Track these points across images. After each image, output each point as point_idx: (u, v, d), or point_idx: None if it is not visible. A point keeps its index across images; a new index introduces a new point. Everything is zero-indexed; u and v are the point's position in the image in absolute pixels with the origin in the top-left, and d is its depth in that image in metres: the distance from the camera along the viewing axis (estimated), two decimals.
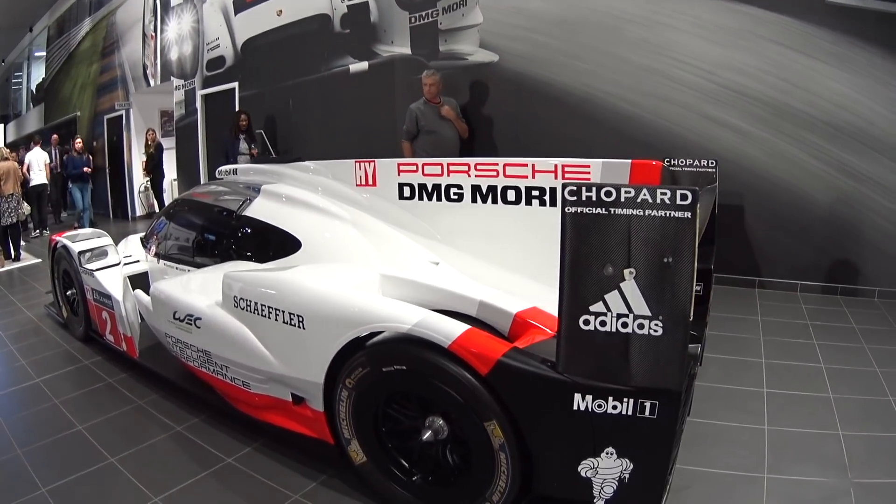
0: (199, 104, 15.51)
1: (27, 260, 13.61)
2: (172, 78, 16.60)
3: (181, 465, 4.35)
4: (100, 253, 6.68)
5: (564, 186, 2.71)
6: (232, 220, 5.73)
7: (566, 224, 2.72)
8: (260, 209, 5.60)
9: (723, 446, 4.03)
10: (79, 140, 16.35)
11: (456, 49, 9.75)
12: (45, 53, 28.50)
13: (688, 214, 2.52)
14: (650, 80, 7.95)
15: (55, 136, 19.59)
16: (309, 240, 5.08)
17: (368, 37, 11.08)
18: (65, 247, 7.05)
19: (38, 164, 16.79)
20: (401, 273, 4.35)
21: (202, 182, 14.62)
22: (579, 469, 2.92)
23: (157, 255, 6.48)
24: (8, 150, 14.14)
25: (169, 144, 17.31)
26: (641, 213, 2.57)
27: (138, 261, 6.88)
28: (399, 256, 4.78)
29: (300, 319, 3.75)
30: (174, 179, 17.45)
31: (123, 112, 19.43)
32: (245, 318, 4.15)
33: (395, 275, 4.30)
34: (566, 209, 2.71)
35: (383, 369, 3.40)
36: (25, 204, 14.26)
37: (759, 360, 5.38)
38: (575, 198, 2.67)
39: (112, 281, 6.14)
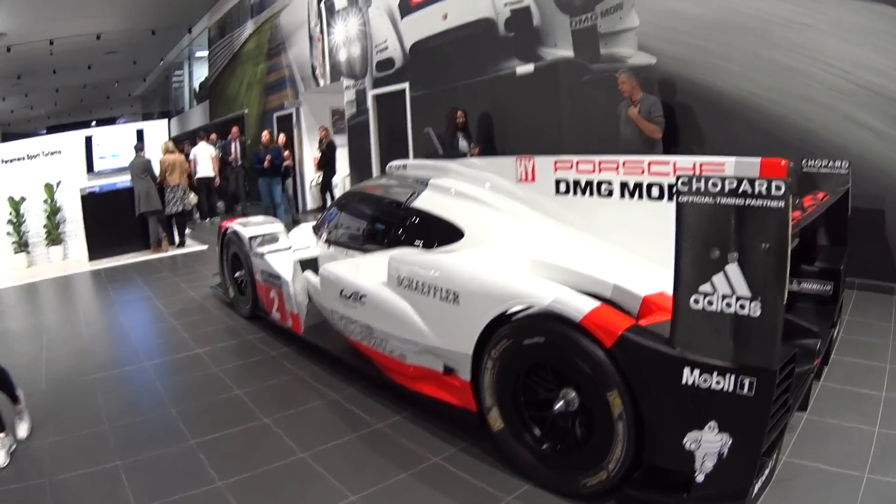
0: (370, 103, 16.35)
1: (191, 246, 14.86)
2: (342, 78, 17.52)
3: (332, 427, 5.00)
4: (270, 238, 7.49)
5: (678, 178, 3.15)
6: (400, 211, 6.35)
7: (680, 212, 3.14)
8: (427, 201, 6.21)
9: (832, 444, 4.17)
10: (265, 133, 17.11)
11: (616, 52, 9.95)
12: (206, 53, 29.97)
13: (781, 204, 2.87)
14: (794, 81, 7.97)
15: (213, 134, 20.85)
16: (471, 229, 5.60)
17: (532, 40, 11.41)
18: (235, 232, 7.91)
19: (205, 157, 18.41)
20: (546, 257, 4.81)
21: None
22: (684, 441, 3.22)
23: (327, 241, 7.20)
24: (173, 144, 15.46)
25: (341, 142, 18.45)
26: (742, 203, 2.96)
27: (308, 247, 7.59)
28: (553, 246, 5.20)
29: (455, 296, 4.31)
30: (346, 175, 18.47)
31: (293, 110, 20.69)
32: (407, 296, 4.76)
33: (541, 259, 4.77)
34: (679, 199, 3.14)
35: (524, 342, 3.86)
36: (192, 194, 15.55)
37: (885, 364, 5.38)
38: (687, 188, 3.11)
39: (282, 263, 6.94)
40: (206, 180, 18.52)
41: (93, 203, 14.32)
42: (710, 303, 3.11)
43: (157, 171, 14.41)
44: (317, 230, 7.77)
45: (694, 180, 3.11)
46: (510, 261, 4.81)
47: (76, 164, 15.17)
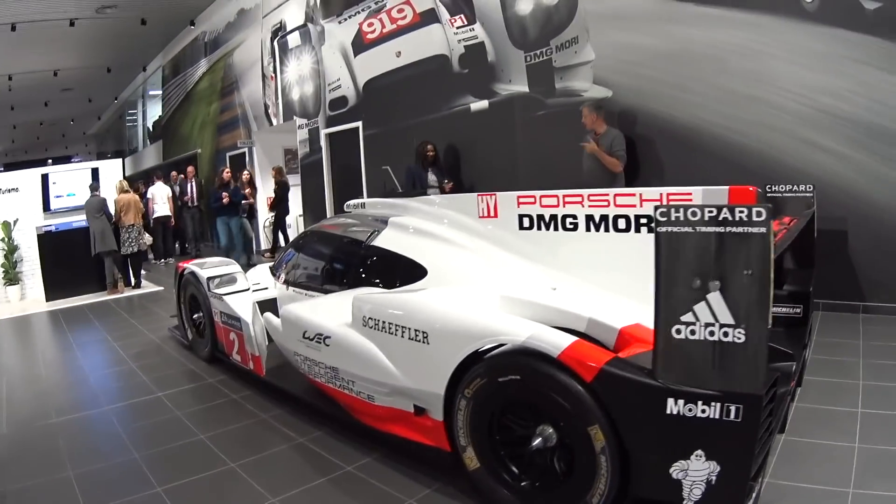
0: (323, 142, 16.30)
1: (147, 287, 14.68)
2: (295, 117, 17.37)
3: (300, 471, 4.82)
4: (228, 279, 7.31)
5: (656, 209, 3.09)
6: (361, 250, 6.26)
7: (659, 242, 3.09)
8: (388, 239, 6.10)
9: (814, 463, 4.18)
10: (225, 170, 16.72)
11: (571, 86, 10.04)
12: (160, 92, 29.95)
13: (763, 230, 2.83)
14: (753, 108, 8.07)
15: (174, 172, 20.77)
16: (434, 267, 5.52)
17: (487, 76, 11.47)
18: (193, 273, 7.74)
19: (162, 197, 18.46)
20: (516, 293, 4.72)
21: (330, 216, 15.24)
22: (671, 471, 3.15)
23: (286, 282, 7.05)
24: (127, 184, 15.34)
25: (294, 181, 18.13)
26: (722, 230, 2.92)
27: (266, 288, 7.49)
28: (519, 282, 5.11)
29: (425, 335, 4.19)
30: (300, 215, 18.42)
31: (246, 150, 20.69)
32: (373, 336, 4.62)
33: (511, 295, 4.68)
34: (658, 229, 3.08)
35: (499, 379, 3.76)
36: (147, 234, 15.46)
37: (857, 381, 5.47)
38: (665, 218, 3.05)
39: (241, 305, 6.75)
40: (162, 220, 18.55)
41: (50, 242, 14.18)
42: (692, 332, 3.05)
43: (112, 210, 14.27)
44: (275, 271, 7.65)
45: (672, 210, 3.05)
46: (479, 298, 4.70)
47: (33, 203, 15.04)
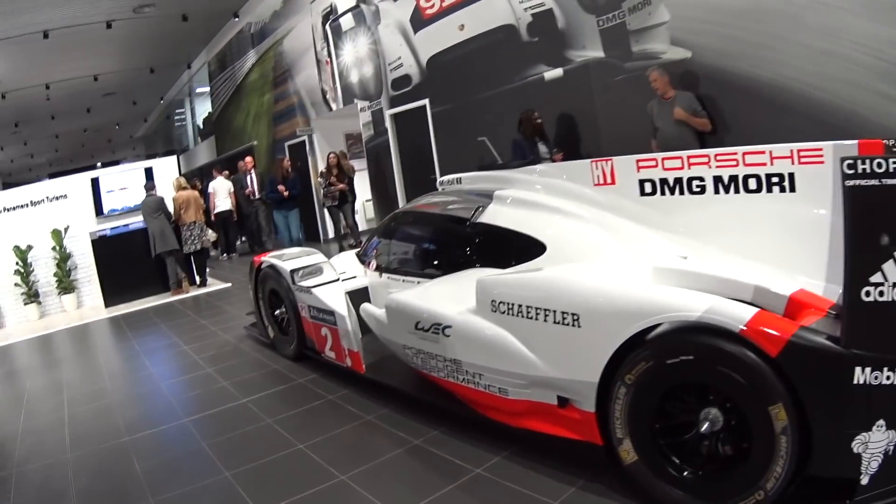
0: (388, 123, 16.08)
1: (214, 285, 14.43)
2: (356, 100, 17.29)
3: (423, 478, 4.41)
4: (314, 270, 6.94)
5: (842, 160, 2.88)
6: (466, 228, 5.81)
7: (846, 197, 2.91)
8: (496, 215, 5.67)
9: None
10: (286, 160, 16.77)
11: (648, 48, 9.74)
12: (208, 88, 30.02)
13: None
14: (832, 64, 7.77)
15: (241, 162, 20.24)
16: (554, 242, 5.08)
17: (558, 43, 11.19)
18: (273, 266, 7.42)
19: (223, 192, 18.23)
20: (673, 264, 4.34)
21: (401, 199, 15.72)
22: (852, 445, 2.99)
23: (379, 268, 6.70)
24: (186, 180, 15.12)
25: (359, 166, 17.90)
26: None
27: (354, 276, 7.07)
28: (648, 253, 4.69)
29: (575, 318, 3.84)
30: (367, 200, 18.55)
31: (306, 138, 20.64)
32: (506, 323, 4.29)
33: (667, 266, 4.27)
34: (845, 182, 2.88)
35: (667, 361, 3.44)
36: (210, 231, 15.11)
37: None
38: (852, 171, 2.85)
39: (333, 297, 6.39)
40: (224, 215, 18.42)
41: (105, 247, 14.11)
42: (881, 293, 2.89)
43: (171, 208, 14.07)
44: (363, 257, 7.29)
45: (859, 162, 2.87)
46: (630, 270, 4.31)
47: (84, 208, 14.87)
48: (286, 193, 15.70)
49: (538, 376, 4.10)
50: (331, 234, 18.52)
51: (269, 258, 7.64)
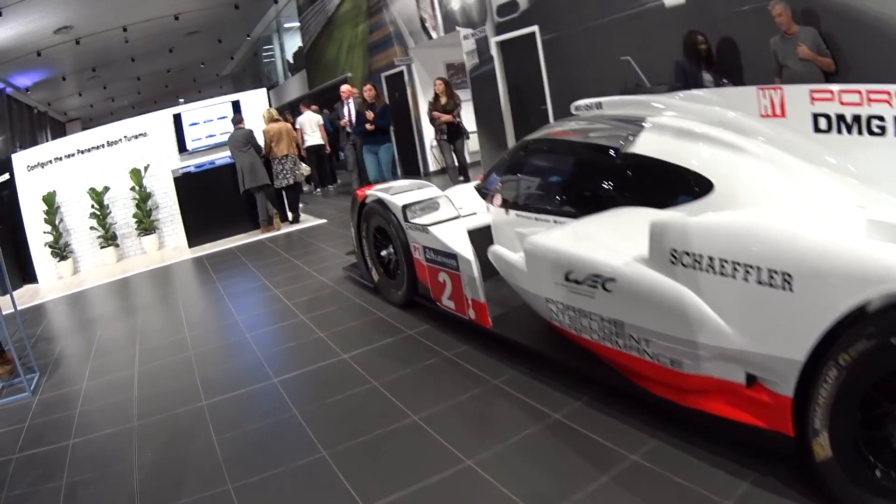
0: (494, 52, 15.25)
1: (307, 221, 13.92)
2: (458, 28, 16.41)
3: (569, 466, 3.65)
4: (430, 205, 6.23)
5: None
6: (616, 160, 5.11)
7: None
8: (651, 145, 4.96)
9: None
10: (367, 88, 14.46)
11: None
12: (297, 23, 29.72)
13: None
14: None
15: (314, 105, 19.85)
16: (722, 179, 4.44)
17: None
18: (380, 201, 6.72)
19: (311, 125, 17.88)
20: (887, 216, 3.56)
21: (508, 131, 15.18)
22: None
23: (504, 204, 6.06)
24: (276, 112, 14.43)
25: (463, 97, 16.65)
26: None
27: (474, 213, 6.36)
28: (824, 199, 4.07)
29: (786, 279, 3.09)
30: (471, 132, 17.09)
31: (404, 68, 19.92)
32: (688, 278, 3.54)
33: (884, 219, 3.52)
34: None
35: (892, 340, 2.74)
36: (304, 165, 14.48)
37: None
38: None
39: (454, 237, 5.64)
40: (314, 148, 18.09)
41: (188, 184, 13.84)
42: None
43: (261, 142, 13.53)
44: (484, 191, 6.58)
45: None
46: (840, 222, 3.60)
47: (166, 145, 14.48)
48: (371, 126, 13.55)
49: (727, 348, 3.39)
50: (432, 168, 18.13)
51: (375, 191, 6.93)
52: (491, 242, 5.86)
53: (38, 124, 35.68)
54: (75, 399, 5.90)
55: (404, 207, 6.18)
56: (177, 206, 13.78)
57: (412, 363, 5.28)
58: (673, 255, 3.58)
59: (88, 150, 13.90)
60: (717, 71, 9.50)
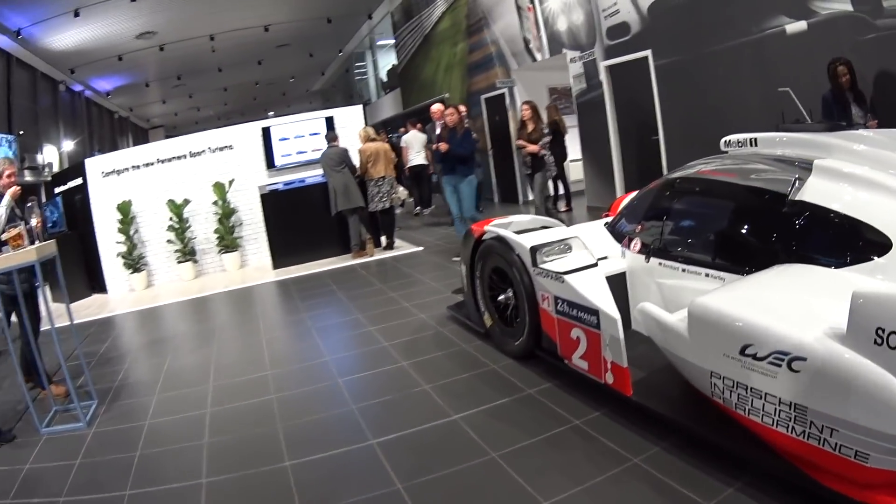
0: (603, 76, 14.76)
1: (403, 248, 13.32)
2: (565, 50, 16.04)
3: None
4: (561, 248, 5.64)
5: None
6: (784, 207, 4.64)
7: None
8: (823, 192, 4.54)
9: None
10: (447, 110, 11.99)
11: None
12: (391, 41, 29.64)
13: None
14: None
15: (419, 123, 18.68)
16: None
17: None
18: (501, 239, 6.16)
19: (418, 145, 17.12)
20: None
21: (616, 160, 14.71)
22: None
23: (643, 250, 5.60)
24: (374, 131, 13.92)
25: (569, 122, 16.51)
26: None
27: (604, 257, 5.86)
28: None
29: None
30: (573, 160, 16.93)
31: (506, 90, 19.16)
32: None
33: None
34: None
35: None
36: (401, 188, 13.97)
37: None
38: None
39: (595, 290, 5.07)
40: (417, 169, 17.46)
41: (276, 202, 13.39)
42: None
43: (356, 161, 13.00)
44: (618, 233, 6.11)
45: None
46: None
47: (253, 160, 14.13)
48: (444, 148, 11.31)
49: None
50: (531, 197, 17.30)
51: (494, 227, 6.42)
52: (625, 291, 5.56)
53: (119, 129, 36.50)
54: (136, 439, 5.38)
55: (533, 250, 5.55)
56: (262, 224, 13.35)
57: (535, 431, 4.61)
58: (879, 335, 3.13)
59: (169, 160, 13.67)
60: (866, 105, 8.85)
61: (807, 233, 4.51)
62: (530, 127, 12.16)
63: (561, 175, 16.16)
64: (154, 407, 6.07)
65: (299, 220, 13.09)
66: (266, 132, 14.06)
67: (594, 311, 4.83)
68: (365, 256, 12.83)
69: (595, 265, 5.33)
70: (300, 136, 14.22)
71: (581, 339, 5.06)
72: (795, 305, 3.78)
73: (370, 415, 5.28)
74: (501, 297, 6.24)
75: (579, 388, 5.16)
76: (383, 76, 34.30)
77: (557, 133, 15.47)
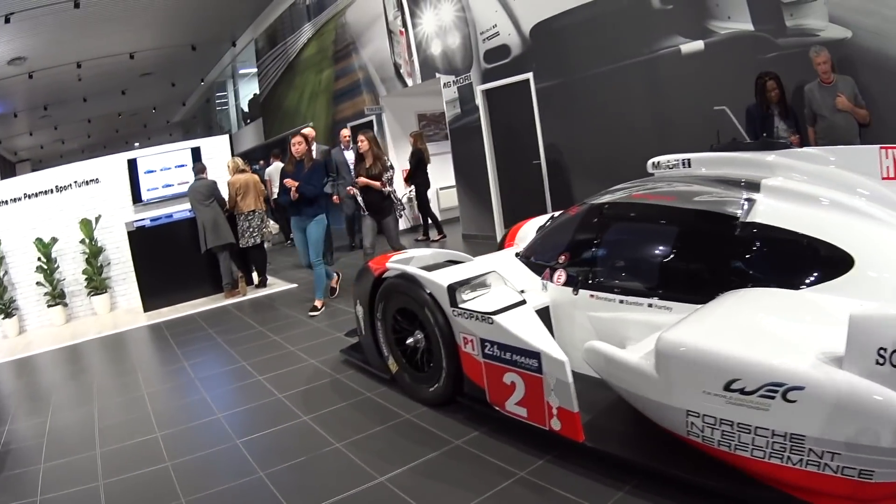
0: (480, 101, 14.68)
1: (275, 285, 12.77)
2: (438, 75, 15.95)
3: None
4: (478, 285, 5.21)
5: None
6: (735, 230, 4.56)
7: None
8: (775, 212, 4.53)
9: None
10: (297, 139, 10.25)
11: (804, 24, 8.81)
12: (253, 69, 29.37)
13: None
14: None
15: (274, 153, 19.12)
16: (864, 255, 4.11)
17: (698, 12, 10.02)
18: (407, 278, 5.65)
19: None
20: None
21: (493, 186, 14.63)
22: None
23: (570, 283, 5.29)
24: (244, 161, 13.27)
25: (437, 150, 16.70)
26: None
27: (522, 290, 5.35)
28: None
29: None
30: (441, 188, 17.51)
31: (374, 117, 19.11)
32: None
33: None
34: None
35: None
36: (272, 222, 13.31)
37: None
38: None
39: (531, 329, 4.62)
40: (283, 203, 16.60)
41: (143, 239, 12.48)
42: None
43: (225, 195, 12.33)
44: (533, 263, 5.82)
45: None
46: None
47: (119, 194, 13.25)
48: (294, 191, 9.73)
49: None
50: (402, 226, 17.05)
51: (395, 265, 5.92)
52: (549, 327, 5.20)
53: None
54: None
55: (451, 289, 5.06)
56: (131, 264, 12.50)
57: (479, 488, 4.10)
58: (881, 355, 3.13)
59: (35, 195, 12.68)
60: (790, 119, 8.92)
61: (762, 255, 4.43)
62: (369, 160, 10.34)
63: (425, 204, 16.17)
64: (42, 479, 5.27)
65: (168, 259, 12.36)
66: (132, 164, 13.25)
67: (534, 354, 4.39)
68: (238, 296, 12.17)
69: (523, 302, 4.88)
70: (166, 169, 13.48)
71: (517, 385, 4.59)
72: (774, 333, 3.66)
73: (283, 482, 4.63)
74: (410, 341, 5.68)
75: (512, 435, 4.71)
76: (245, 106, 33.93)
77: (421, 162, 15.81)
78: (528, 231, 7.21)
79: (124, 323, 11.43)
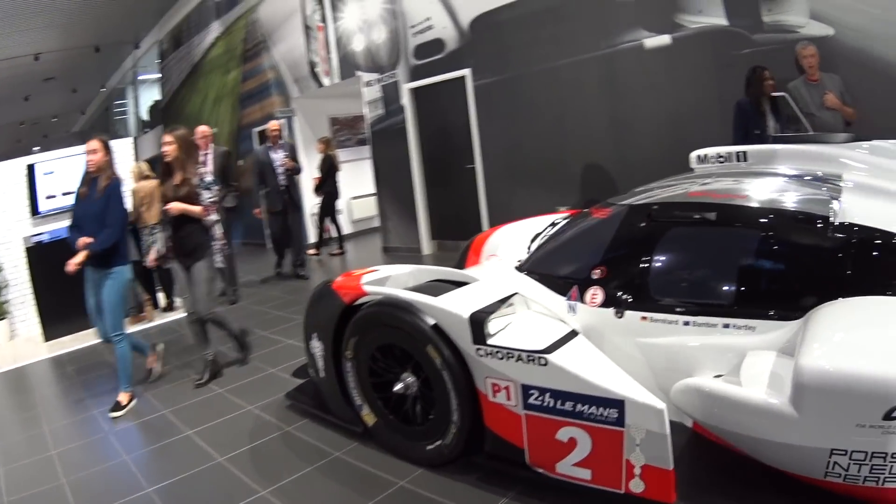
0: (406, 100, 14.16)
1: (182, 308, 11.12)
2: (359, 73, 15.32)
3: None
4: (506, 312, 4.31)
5: None
6: (829, 231, 4.01)
7: None
8: (867, 212, 4.08)
9: None
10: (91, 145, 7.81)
11: (783, 20, 8.71)
12: (155, 75, 28.82)
13: None
14: None
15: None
16: None
17: (666, 5, 9.73)
18: (397, 304, 4.57)
19: None
20: None
21: (418, 192, 14.21)
22: None
23: (614, 302, 4.39)
24: (148, 166, 11.76)
25: (349, 156, 16.59)
26: None
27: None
28: None
29: None
30: (353, 197, 17.54)
31: (285, 121, 18.02)
32: None
33: None
34: None
35: None
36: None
37: None
38: None
39: (603, 370, 3.76)
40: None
41: (43, 257, 11.12)
42: None
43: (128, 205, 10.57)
44: (554, 280, 4.79)
45: None
46: None
47: (15, 205, 11.82)
48: (81, 248, 6.95)
49: None
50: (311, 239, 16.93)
51: (374, 287, 4.88)
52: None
53: None
54: None
55: (478, 320, 4.03)
56: (29, 286, 11.19)
57: None
58: None
59: None
60: (780, 117, 8.53)
61: (863, 260, 3.86)
62: (178, 176, 7.04)
63: (332, 216, 15.75)
64: None
65: (69, 279, 10.63)
66: (31, 170, 11.91)
67: (614, 403, 3.53)
68: (145, 321, 10.94)
69: (574, 333, 4.08)
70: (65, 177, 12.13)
71: (580, 441, 3.70)
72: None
73: None
74: (399, 387, 4.57)
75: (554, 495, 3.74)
76: (144, 114, 33.01)
77: (332, 169, 15.34)
78: (498, 242, 6.37)
79: (24, 356, 10.07)
